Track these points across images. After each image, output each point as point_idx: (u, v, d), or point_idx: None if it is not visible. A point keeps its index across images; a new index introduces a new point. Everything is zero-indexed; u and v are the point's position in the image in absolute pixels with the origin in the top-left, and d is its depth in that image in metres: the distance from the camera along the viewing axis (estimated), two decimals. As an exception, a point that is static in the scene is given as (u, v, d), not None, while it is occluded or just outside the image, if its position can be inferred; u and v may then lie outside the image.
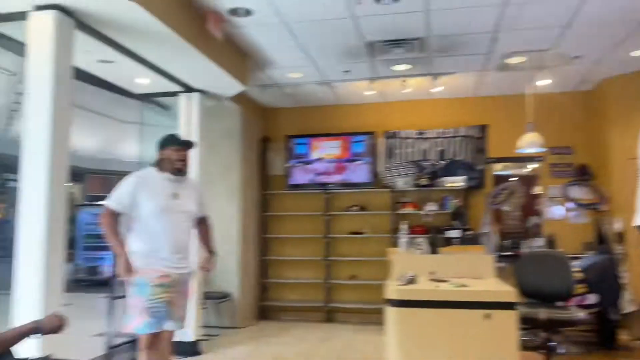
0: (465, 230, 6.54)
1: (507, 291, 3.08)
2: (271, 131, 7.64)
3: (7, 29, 3.69)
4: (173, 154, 3.37)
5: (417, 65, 5.81)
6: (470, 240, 6.06)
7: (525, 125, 5.87)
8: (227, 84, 5.39)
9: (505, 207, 6.50)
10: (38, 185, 3.24)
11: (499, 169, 8.57)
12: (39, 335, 1.94)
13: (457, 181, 6.85)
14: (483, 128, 7.03)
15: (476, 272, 3.80)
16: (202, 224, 3.66)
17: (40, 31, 3.33)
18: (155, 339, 3.26)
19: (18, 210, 3.27)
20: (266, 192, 7.48)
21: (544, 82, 6.19)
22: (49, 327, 1.99)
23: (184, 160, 3.40)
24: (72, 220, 12.14)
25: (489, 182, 7.00)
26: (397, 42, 5.11)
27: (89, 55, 4.41)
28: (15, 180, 3.23)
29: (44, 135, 3.26)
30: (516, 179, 7.07)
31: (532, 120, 5.97)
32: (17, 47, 3.80)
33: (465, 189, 6.83)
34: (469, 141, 6.99)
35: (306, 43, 5.16)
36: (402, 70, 5.99)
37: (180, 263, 3.35)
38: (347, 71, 6.01)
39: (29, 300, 3.16)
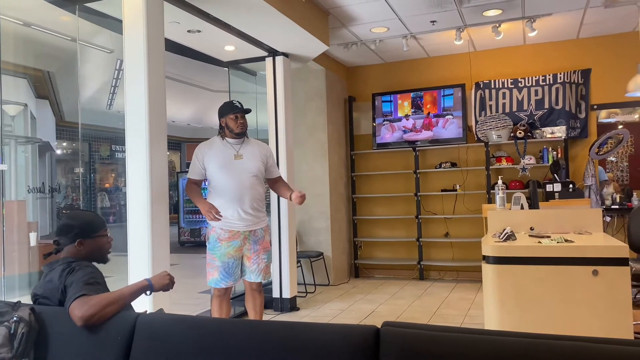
0: (566, 183, 6.14)
1: (618, 246, 2.86)
2: (356, 90, 7.55)
3: (104, 6, 3.89)
4: (232, 121, 3.58)
5: (510, 9, 5.43)
6: (573, 194, 5.69)
7: (637, 66, 5.33)
8: (310, 45, 5.37)
9: (612, 158, 6.00)
10: (140, 154, 3.44)
11: (603, 116, 7.91)
12: (149, 292, 2.10)
13: (556, 131, 6.42)
14: (585, 72, 6.47)
15: (581, 227, 3.58)
16: (278, 181, 3.85)
17: (132, 5, 3.46)
18: (225, 291, 3.63)
19: (126, 179, 3.52)
20: (354, 152, 7.47)
21: (658, 16, 5.55)
22: (159, 285, 2.14)
23: (242, 127, 3.60)
24: (174, 187, 12.96)
25: (592, 131, 6.49)
26: (487, -14, 4.78)
27: (178, 26, 4.56)
28: (122, 151, 3.47)
29: (142, 107, 3.44)
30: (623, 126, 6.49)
31: (644, 59, 5.41)
32: (114, 24, 4.01)
33: (565, 140, 6.38)
34: (569, 88, 6.48)
35: (389, -5, 4.98)
36: (493, 16, 5.62)
37: (251, 220, 3.58)
38: (433, 21, 5.74)
39: (140, 260, 3.42)
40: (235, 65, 5.93)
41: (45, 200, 6.30)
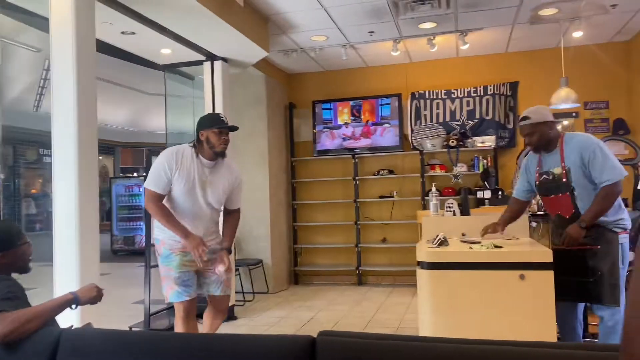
0: (496, 190, 6.42)
1: (542, 251, 3.01)
2: (297, 97, 7.57)
3: (31, 4, 3.69)
4: (214, 136, 3.10)
5: (444, 23, 5.63)
6: (502, 200, 5.95)
7: (560, 80, 5.67)
8: (249, 51, 5.33)
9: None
10: (68, 159, 3.27)
11: (530, 127, 8.30)
12: (75, 306, 1.99)
13: (486, 141, 6.70)
14: (513, 85, 6.81)
15: (509, 233, 3.73)
16: (231, 216, 3.44)
17: (59, 3, 3.30)
18: (190, 307, 3.16)
19: (53, 185, 3.34)
20: (294, 158, 7.48)
21: (578, 34, 5.92)
22: (86, 298, 2.03)
23: (225, 145, 3.15)
24: (107, 193, 12.44)
25: (520, 141, 6.81)
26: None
27: (112, 27, 4.39)
28: (50, 155, 3.27)
29: (71, 109, 3.28)
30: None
31: (566, 74, 5.75)
32: (41, 23, 3.81)
33: (495, 149, 6.68)
34: (498, 99, 6.79)
35: (329, 4, 5.02)
36: (428, 29, 5.81)
37: (205, 238, 3.18)
38: (371, 32, 5.86)
39: (67, 271, 3.25)
40: (171, 69, 5.79)
41: (-38, 208, 5.88)
